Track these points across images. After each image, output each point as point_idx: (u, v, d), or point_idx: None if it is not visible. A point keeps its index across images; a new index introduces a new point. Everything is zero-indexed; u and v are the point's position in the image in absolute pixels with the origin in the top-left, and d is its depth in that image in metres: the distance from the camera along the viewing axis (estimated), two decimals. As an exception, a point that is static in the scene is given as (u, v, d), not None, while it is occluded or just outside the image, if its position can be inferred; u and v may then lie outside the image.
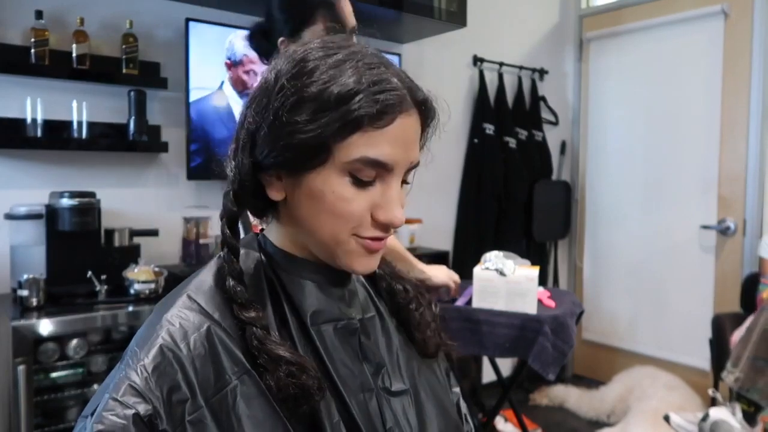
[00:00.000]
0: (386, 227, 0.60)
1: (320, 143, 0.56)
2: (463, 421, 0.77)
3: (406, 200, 0.63)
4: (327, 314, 0.62)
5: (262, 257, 0.64)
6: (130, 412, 0.50)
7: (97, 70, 1.99)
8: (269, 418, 0.54)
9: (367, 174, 0.58)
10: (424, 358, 0.71)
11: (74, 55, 1.94)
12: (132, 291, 1.87)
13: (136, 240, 2.05)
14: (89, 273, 1.85)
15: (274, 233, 0.65)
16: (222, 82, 2.25)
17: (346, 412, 0.58)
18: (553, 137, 3.52)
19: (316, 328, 0.60)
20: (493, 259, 1.93)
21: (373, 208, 0.59)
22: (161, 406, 0.51)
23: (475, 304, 1.90)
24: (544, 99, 3.46)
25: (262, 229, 0.68)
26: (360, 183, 0.58)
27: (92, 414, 0.52)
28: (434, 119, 0.65)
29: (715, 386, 2.30)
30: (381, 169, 0.58)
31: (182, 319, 0.56)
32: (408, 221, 2.77)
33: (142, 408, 0.51)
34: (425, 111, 0.63)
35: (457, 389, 0.79)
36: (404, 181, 0.63)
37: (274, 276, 0.62)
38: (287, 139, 0.57)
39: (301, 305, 0.61)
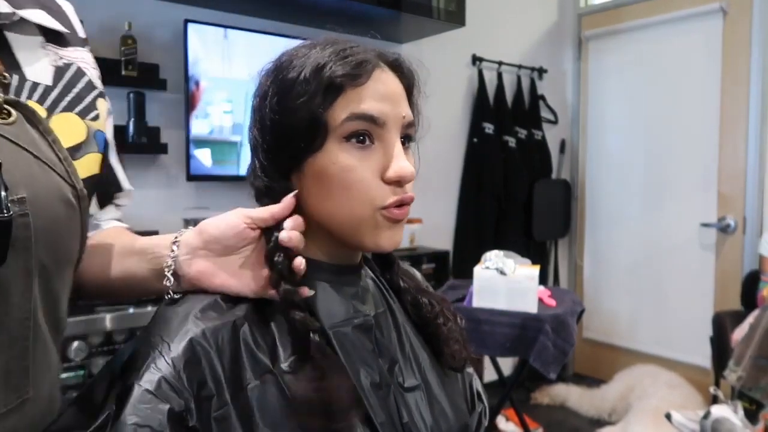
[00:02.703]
0: (398, 182, 0.60)
1: (312, 118, 0.58)
2: (476, 402, 0.77)
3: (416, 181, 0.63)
4: (343, 314, 0.62)
5: None
6: (165, 406, 0.50)
7: (96, 72, 1.99)
8: (289, 419, 0.54)
9: (361, 132, 0.58)
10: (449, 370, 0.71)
11: (73, 57, 1.94)
12: (132, 293, 1.86)
13: (137, 242, 2.05)
14: (89, 275, 1.84)
15: None
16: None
17: (363, 413, 0.58)
18: (552, 136, 3.51)
19: (334, 330, 0.60)
20: (494, 258, 1.93)
21: (381, 171, 0.59)
22: (192, 402, 0.51)
23: (476, 303, 1.90)
24: (543, 98, 3.45)
25: None
26: (358, 147, 0.59)
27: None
28: (415, 79, 0.66)
29: (716, 384, 2.30)
30: (372, 124, 0.59)
31: (210, 314, 0.56)
32: (408, 221, 2.77)
33: (176, 403, 0.51)
34: (400, 69, 0.64)
35: (470, 369, 0.79)
36: (406, 141, 0.63)
37: None
38: (282, 130, 0.60)
39: (318, 307, 0.61)
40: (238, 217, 0.59)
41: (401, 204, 0.60)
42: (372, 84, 0.59)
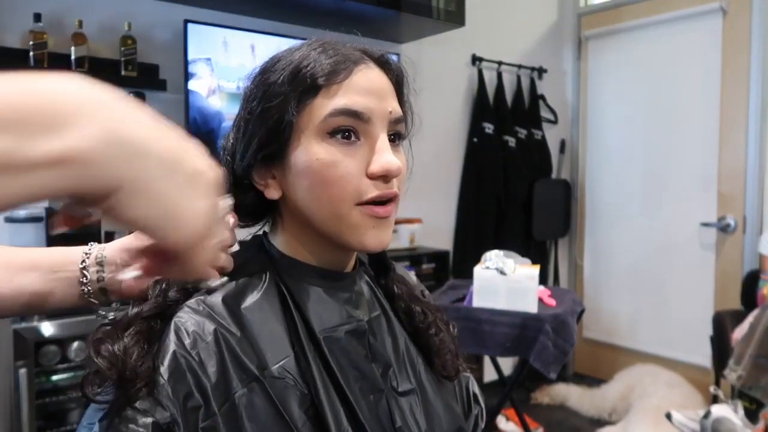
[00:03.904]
0: (383, 178, 0.58)
1: (286, 115, 0.58)
2: (472, 405, 0.77)
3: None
4: (336, 319, 0.61)
5: (269, 262, 0.63)
6: (149, 420, 0.50)
7: (95, 73, 1.99)
8: (278, 426, 0.54)
9: (345, 127, 0.57)
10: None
11: (73, 57, 1.94)
12: (132, 293, 1.86)
13: (137, 242, 2.05)
14: (90, 275, 1.85)
15: (278, 238, 0.65)
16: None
17: (354, 418, 0.57)
18: (552, 136, 3.51)
19: (325, 334, 0.60)
20: (494, 258, 1.93)
21: (367, 166, 0.58)
22: (179, 414, 0.51)
23: (476, 303, 1.90)
24: (543, 98, 3.46)
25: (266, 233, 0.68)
26: (343, 143, 0.58)
27: (100, 421, 0.51)
28: (404, 76, 0.65)
29: (717, 384, 2.30)
30: (357, 119, 0.57)
31: (193, 324, 0.55)
32: (408, 221, 2.77)
33: (161, 416, 0.50)
34: (387, 65, 0.63)
35: (467, 373, 0.79)
36: (397, 138, 0.62)
37: (281, 282, 0.62)
38: (260, 125, 0.59)
39: (310, 312, 0.60)
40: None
41: (382, 199, 0.59)
42: (355, 80, 0.58)
